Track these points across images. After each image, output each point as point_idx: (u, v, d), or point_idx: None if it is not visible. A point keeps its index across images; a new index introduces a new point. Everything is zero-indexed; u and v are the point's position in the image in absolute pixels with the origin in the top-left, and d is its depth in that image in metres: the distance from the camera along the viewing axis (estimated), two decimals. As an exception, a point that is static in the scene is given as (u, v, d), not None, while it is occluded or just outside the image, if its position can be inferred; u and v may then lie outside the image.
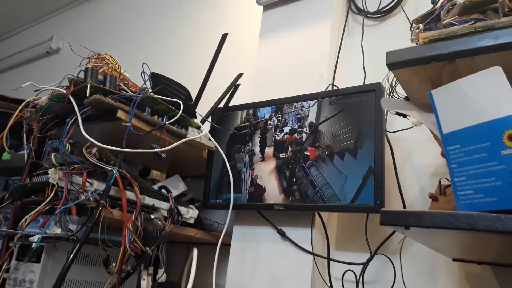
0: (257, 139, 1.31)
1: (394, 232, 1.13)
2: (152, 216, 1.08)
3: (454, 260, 1.00)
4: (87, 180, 1.03)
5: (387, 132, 1.17)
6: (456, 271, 1.04)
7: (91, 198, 1.01)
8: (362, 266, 1.11)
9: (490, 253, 0.86)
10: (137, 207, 1.04)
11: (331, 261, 1.17)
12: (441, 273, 1.06)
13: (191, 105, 1.28)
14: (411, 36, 0.81)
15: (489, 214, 0.58)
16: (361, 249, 1.17)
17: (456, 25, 0.71)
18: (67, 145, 1.05)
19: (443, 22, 0.74)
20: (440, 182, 0.89)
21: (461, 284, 1.02)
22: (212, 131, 1.36)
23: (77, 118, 1.07)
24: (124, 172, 1.08)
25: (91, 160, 1.05)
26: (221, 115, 1.40)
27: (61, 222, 0.96)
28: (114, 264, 0.96)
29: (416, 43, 0.77)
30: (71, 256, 0.91)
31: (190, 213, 1.21)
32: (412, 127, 1.15)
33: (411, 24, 0.83)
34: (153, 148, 1.13)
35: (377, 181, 1.04)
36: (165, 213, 1.14)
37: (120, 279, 0.97)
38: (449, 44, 0.69)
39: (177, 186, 1.30)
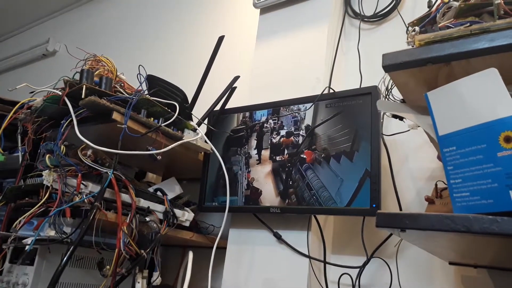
0: (253, 142, 1.31)
1: (390, 235, 1.12)
2: (147, 219, 1.07)
3: (450, 263, 1.00)
4: (82, 182, 1.02)
5: (384, 135, 1.17)
6: (453, 275, 1.03)
7: (85, 200, 1.00)
8: (358, 269, 1.11)
9: (487, 256, 0.86)
10: (132, 210, 1.03)
11: (327, 265, 1.16)
12: (437, 277, 1.06)
13: (187, 108, 1.28)
14: (407, 39, 0.81)
15: (485, 216, 0.58)
16: (357, 252, 1.17)
17: (452, 27, 0.71)
18: (62, 147, 1.04)
19: (439, 25, 0.74)
20: (436, 185, 0.89)
21: (458, 287, 1.02)
22: (208, 134, 1.36)
23: (72, 120, 1.07)
24: (119, 174, 1.07)
25: (86, 162, 1.04)
26: (217, 117, 1.40)
27: (55, 224, 0.95)
28: (108, 267, 0.95)
29: (412, 46, 0.77)
30: (64, 259, 0.90)
31: (185, 216, 1.20)
32: (409, 130, 1.15)
33: (407, 27, 0.83)
34: (149, 150, 1.13)
35: (373, 184, 1.04)
36: (161, 216, 1.13)
37: (115, 282, 0.96)
38: (445, 47, 0.69)
39: (173, 189, 1.29)
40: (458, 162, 0.62)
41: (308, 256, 1.14)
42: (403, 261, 1.11)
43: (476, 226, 0.59)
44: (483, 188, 0.58)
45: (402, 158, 1.22)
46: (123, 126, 1.07)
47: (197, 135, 1.26)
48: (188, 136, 1.24)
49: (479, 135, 0.59)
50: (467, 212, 0.60)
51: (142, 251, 0.99)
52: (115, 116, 1.08)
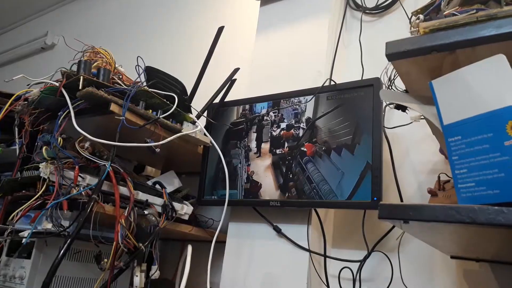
0: (253, 135, 1.29)
1: (392, 229, 1.11)
2: (146, 212, 1.06)
3: (452, 257, 0.99)
4: (79, 174, 1.01)
5: (385, 128, 1.16)
6: (454, 269, 1.02)
7: (83, 192, 0.98)
8: (359, 263, 1.10)
9: (489, 249, 0.85)
10: (130, 202, 1.01)
11: (327, 259, 1.15)
12: (439, 271, 1.05)
13: (186, 100, 1.26)
14: (411, 28, 0.79)
15: (491, 207, 0.56)
16: (358, 246, 1.16)
17: (457, 15, 0.70)
18: (59, 138, 1.03)
19: (444, 13, 0.73)
20: (439, 177, 0.88)
21: (459, 281, 1.01)
22: (207, 127, 1.35)
23: (69, 112, 1.05)
24: (117, 167, 1.05)
25: (83, 154, 1.03)
26: (217, 110, 1.38)
27: (52, 217, 0.93)
28: (106, 260, 0.94)
29: (415, 35, 0.76)
30: (61, 252, 0.88)
31: (184, 209, 1.19)
32: (411, 123, 1.14)
33: (411, 16, 0.81)
34: (147, 142, 1.11)
35: (374, 177, 1.02)
36: (159, 209, 1.12)
37: (113, 275, 0.95)
38: (450, 34, 0.67)
39: (171, 182, 1.28)
40: (463, 151, 0.60)
41: (308, 250, 1.12)
42: (405, 255, 1.09)
43: (481, 217, 0.57)
44: (489, 178, 0.57)
45: (404, 151, 1.21)
46: (121, 117, 1.06)
47: (196, 128, 1.25)
48: (187, 129, 1.22)
49: (485, 123, 0.57)
50: (472, 203, 0.59)
51: (141, 244, 0.98)
52: (113, 107, 1.07)
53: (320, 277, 1.14)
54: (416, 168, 1.18)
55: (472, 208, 0.58)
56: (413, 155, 1.19)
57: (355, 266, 1.10)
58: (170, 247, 1.49)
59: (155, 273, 1.03)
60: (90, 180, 1.02)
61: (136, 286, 0.99)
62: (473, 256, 0.97)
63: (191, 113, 1.28)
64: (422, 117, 1.08)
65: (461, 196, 0.61)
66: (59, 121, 1.05)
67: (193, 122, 1.25)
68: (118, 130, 1.04)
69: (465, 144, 0.60)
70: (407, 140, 1.21)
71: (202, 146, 1.35)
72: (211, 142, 1.30)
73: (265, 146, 1.26)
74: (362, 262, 1.09)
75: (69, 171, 1.01)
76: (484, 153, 0.58)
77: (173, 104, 1.16)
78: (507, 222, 0.55)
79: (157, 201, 1.12)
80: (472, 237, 0.73)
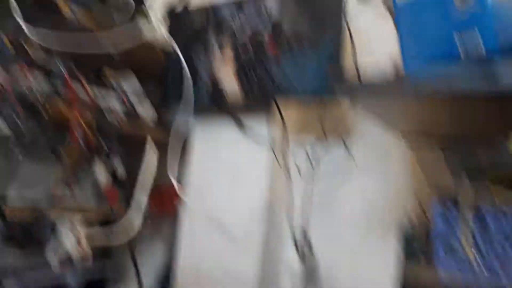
0: (217, 40, 1.25)
1: (351, 118, 1.13)
2: (106, 113, 1.04)
3: (402, 134, 1.01)
4: (33, 76, 0.96)
5: (349, 24, 1.13)
6: (409, 157, 1.07)
7: (37, 95, 0.95)
8: (317, 152, 1.13)
9: (440, 123, 0.86)
10: (89, 104, 0.99)
11: (288, 150, 1.18)
12: (395, 158, 1.10)
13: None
14: None
15: (435, 78, 0.57)
16: (318, 137, 1.18)
17: None
18: (6, 39, 0.97)
19: None
20: (396, 66, 0.88)
21: (414, 168, 1.06)
22: (170, 32, 1.28)
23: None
24: (73, 69, 1.01)
25: (34, 55, 0.98)
26: (179, 15, 1.31)
27: (6, 119, 0.91)
28: (67, 157, 0.94)
29: None
30: (18, 152, 0.88)
31: (148, 113, 1.18)
32: (375, 18, 1.12)
33: None
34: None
35: (335, 70, 1.03)
36: (121, 112, 1.10)
37: (73, 172, 0.96)
38: None
39: (133, 85, 1.24)
40: (410, 24, 0.59)
41: (271, 143, 1.15)
42: (362, 145, 1.12)
43: (426, 88, 0.58)
44: (435, 45, 0.57)
45: (368, 47, 1.19)
46: (71, 17, 1.00)
47: (155, 30, 1.19)
48: (147, 30, 1.16)
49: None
50: (419, 75, 0.60)
51: (102, 141, 0.98)
52: (62, 6, 1.00)
53: (281, 167, 1.17)
54: (380, 63, 1.17)
55: (417, 80, 0.59)
56: (377, 50, 1.18)
57: (315, 156, 1.14)
58: (136, 151, 1.50)
59: (119, 171, 1.04)
60: (45, 82, 0.99)
61: (100, 183, 1.01)
62: (424, 130, 0.98)
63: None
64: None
65: (407, 67, 0.61)
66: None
67: (151, 23, 1.19)
68: (69, 29, 0.99)
69: (413, 15, 0.59)
70: (371, 35, 1.19)
71: (165, 53, 1.30)
72: (172, 47, 1.25)
73: (229, 50, 1.23)
74: (321, 151, 1.13)
75: (21, 72, 0.96)
76: (430, 23, 0.57)
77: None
78: (450, 91, 0.57)
79: (118, 103, 1.10)
80: (421, 111, 0.74)
